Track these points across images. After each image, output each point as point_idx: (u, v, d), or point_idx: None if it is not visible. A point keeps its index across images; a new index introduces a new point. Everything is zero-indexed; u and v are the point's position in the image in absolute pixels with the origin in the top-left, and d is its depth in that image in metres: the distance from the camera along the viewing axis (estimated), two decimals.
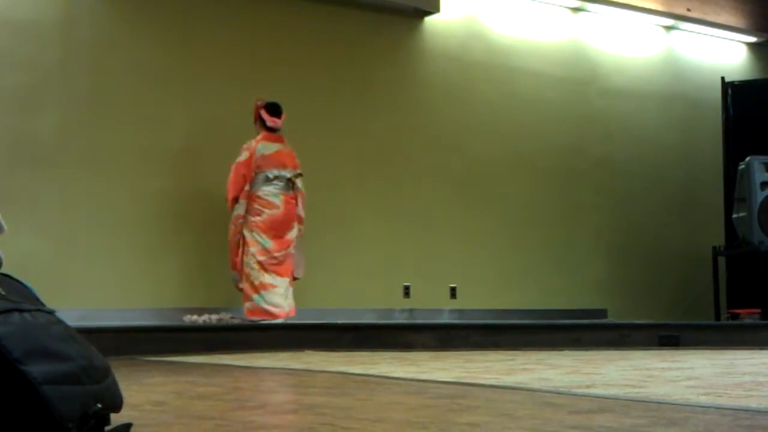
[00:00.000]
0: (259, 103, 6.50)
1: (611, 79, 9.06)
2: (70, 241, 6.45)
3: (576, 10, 8.93)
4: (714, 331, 6.19)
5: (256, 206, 6.37)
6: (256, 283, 6.29)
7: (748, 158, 7.37)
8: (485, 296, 8.07)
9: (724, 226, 8.09)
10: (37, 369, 1.46)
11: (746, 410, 2.16)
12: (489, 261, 8.17)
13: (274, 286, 6.31)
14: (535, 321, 7.69)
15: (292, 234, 6.45)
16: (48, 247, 6.32)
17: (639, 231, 9.04)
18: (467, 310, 7.90)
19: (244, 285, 6.34)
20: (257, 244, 6.32)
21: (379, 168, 7.72)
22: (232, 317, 6.53)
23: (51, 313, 1.63)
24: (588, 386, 2.80)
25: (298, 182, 6.51)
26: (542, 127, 8.57)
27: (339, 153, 7.52)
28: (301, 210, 6.52)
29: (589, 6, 8.92)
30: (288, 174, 6.46)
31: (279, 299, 6.31)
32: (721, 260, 7.96)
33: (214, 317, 6.45)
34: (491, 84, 8.35)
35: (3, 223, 1.80)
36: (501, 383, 2.98)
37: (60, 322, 1.63)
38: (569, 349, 5.22)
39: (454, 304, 7.94)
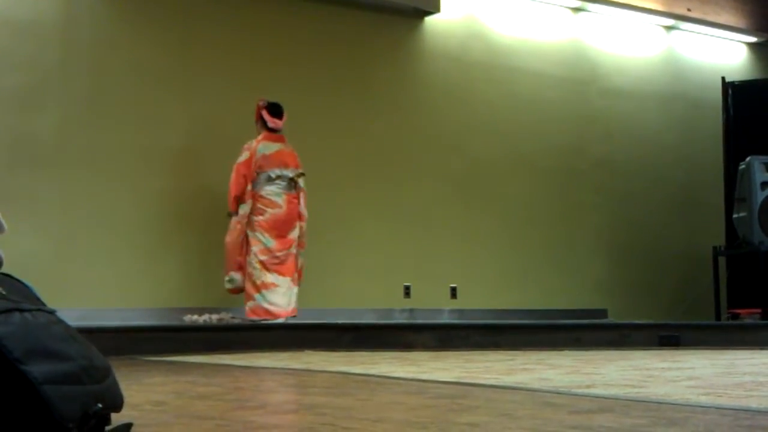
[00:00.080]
0: (261, 103, 6.50)
1: (611, 79, 9.06)
2: (70, 241, 6.45)
3: (576, 10, 8.93)
4: (714, 331, 6.18)
5: (259, 206, 6.37)
6: (258, 282, 6.30)
7: (748, 158, 7.37)
8: (485, 296, 8.07)
9: (724, 226, 8.09)
10: (37, 369, 1.46)
11: (746, 410, 2.16)
12: (489, 261, 8.17)
13: (276, 286, 6.31)
14: (535, 321, 7.68)
15: (295, 234, 6.45)
16: (48, 247, 6.32)
17: (639, 231, 9.04)
18: (467, 310, 7.90)
19: (247, 285, 6.35)
20: (259, 244, 6.33)
21: (379, 168, 7.72)
22: (233, 317, 6.53)
23: (51, 312, 1.63)
24: (588, 386, 2.80)
25: (300, 181, 6.51)
26: (542, 127, 8.57)
27: (339, 153, 7.52)
28: (303, 207, 6.53)
29: (589, 6, 8.92)
30: (290, 173, 6.46)
31: (279, 299, 6.31)
32: (722, 260, 7.96)
33: (214, 317, 6.45)
34: (491, 84, 8.35)
35: (3, 223, 1.80)
36: (501, 383, 2.98)
37: (60, 321, 1.63)
38: (569, 349, 5.22)
39: (455, 304, 7.94)
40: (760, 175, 7.26)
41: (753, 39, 9.99)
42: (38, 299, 1.68)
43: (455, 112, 8.15)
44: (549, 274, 8.44)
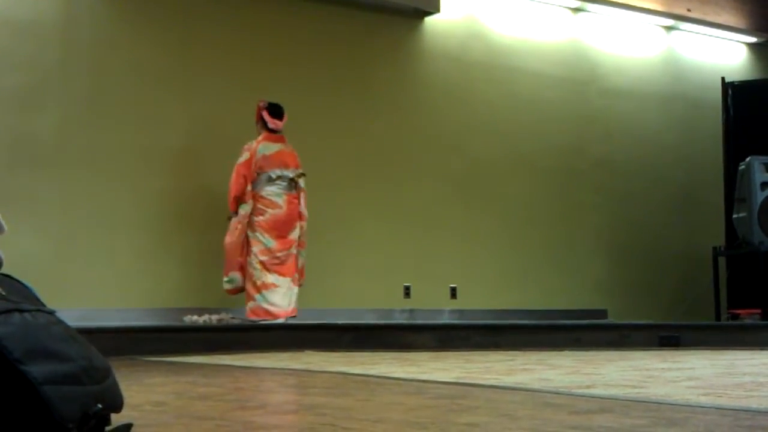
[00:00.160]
0: (261, 104, 6.50)
1: (611, 79, 9.06)
2: (70, 241, 6.45)
3: (576, 10, 8.93)
4: (714, 332, 6.18)
5: (259, 206, 6.38)
6: (258, 282, 6.31)
7: (748, 158, 7.37)
8: (485, 296, 8.07)
9: (724, 226, 8.09)
10: (37, 369, 1.46)
11: (746, 411, 2.16)
12: (489, 261, 8.17)
13: (276, 286, 6.32)
14: (535, 321, 7.68)
15: (295, 234, 6.46)
16: (48, 247, 6.32)
17: (639, 231, 9.04)
18: (467, 311, 7.90)
19: (247, 285, 6.35)
20: (260, 244, 6.33)
21: (379, 168, 7.72)
22: (233, 317, 6.53)
23: (51, 313, 1.63)
24: (588, 387, 2.80)
25: (301, 182, 6.52)
26: (542, 127, 8.57)
27: (339, 153, 7.52)
28: (303, 207, 6.53)
29: (589, 6, 8.92)
30: (291, 174, 6.46)
31: (279, 299, 6.31)
32: (722, 260, 7.96)
33: (214, 317, 6.45)
34: (491, 84, 8.35)
35: (3, 223, 1.80)
36: (501, 384, 2.98)
37: (60, 322, 1.63)
38: (569, 350, 5.22)
39: (455, 305, 7.94)
40: (760, 176, 7.26)
41: (753, 39, 9.99)
42: (38, 300, 1.68)
43: (455, 112, 8.15)
44: (549, 274, 8.44)
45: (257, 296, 6.30)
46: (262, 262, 6.32)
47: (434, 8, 7.95)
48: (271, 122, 6.45)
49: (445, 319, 7.78)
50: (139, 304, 6.59)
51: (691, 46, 9.67)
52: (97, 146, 6.59)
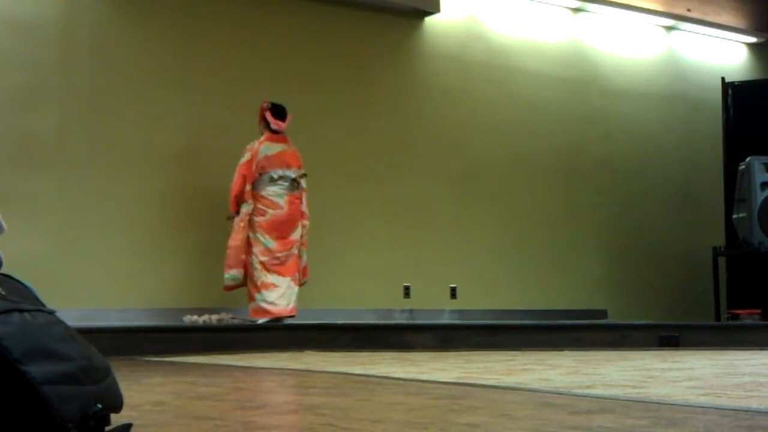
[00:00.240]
0: (265, 104, 6.50)
1: (611, 79, 9.06)
2: (70, 240, 6.45)
3: (576, 10, 8.93)
4: (714, 332, 6.19)
5: (260, 206, 6.38)
6: (258, 282, 6.31)
7: (748, 158, 7.37)
8: (485, 296, 8.07)
9: (724, 226, 8.09)
10: (36, 369, 1.46)
11: (746, 411, 2.16)
12: (489, 261, 8.17)
13: (275, 286, 6.32)
14: (535, 321, 7.69)
15: (296, 234, 6.45)
16: (48, 247, 6.32)
17: (639, 231, 9.04)
18: (467, 311, 7.89)
19: (249, 285, 6.36)
20: (260, 245, 6.33)
21: (378, 168, 7.72)
22: (233, 317, 6.54)
23: (51, 313, 1.63)
24: (588, 387, 2.80)
25: (303, 182, 6.52)
26: (542, 127, 8.57)
27: (339, 153, 7.52)
28: (305, 207, 6.53)
29: (589, 6, 8.92)
30: (293, 174, 6.46)
31: (278, 298, 6.31)
32: (722, 260, 7.96)
33: (214, 317, 6.45)
34: (491, 84, 8.35)
35: (3, 223, 1.80)
36: (501, 384, 2.98)
37: (60, 322, 1.63)
38: (569, 350, 5.23)
39: (454, 305, 7.94)
40: (760, 176, 7.26)
41: (753, 39, 9.99)
42: (38, 300, 1.68)
43: (455, 112, 8.15)
44: (549, 274, 8.44)
45: (257, 296, 6.32)
46: (262, 263, 6.32)
47: (434, 8, 7.95)
48: (274, 123, 6.45)
49: (445, 319, 7.78)
50: (139, 304, 6.58)
51: (691, 46, 9.67)
52: (98, 146, 6.59)
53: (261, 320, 6.26)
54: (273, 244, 6.34)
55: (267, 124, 6.47)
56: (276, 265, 6.34)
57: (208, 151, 6.95)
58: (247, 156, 6.40)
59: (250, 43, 7.25)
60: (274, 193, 6.40)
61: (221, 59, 7.10)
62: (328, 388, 3.01)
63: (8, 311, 1.52)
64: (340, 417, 2.13)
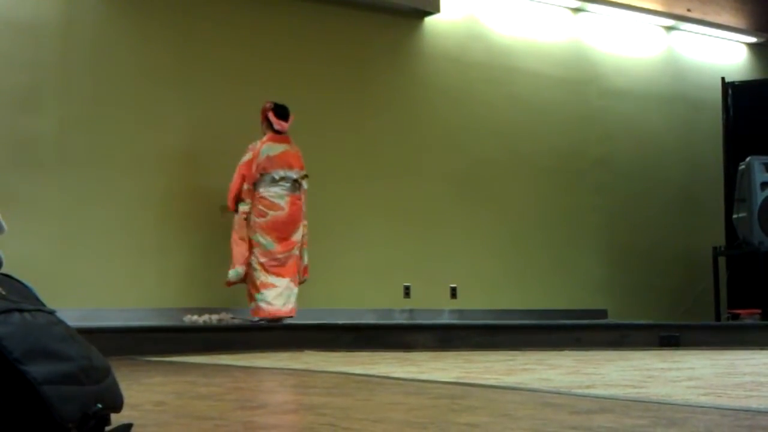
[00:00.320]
0: (267, 105, 6.50)
1: (611, 79, 9.06)
2: (71, 240, 6.45)
3: (576, 10, 8.93)
4: (714, 332, 6.19)
5: (261, 207, 6.37)
6: (258, 283, 6.32)
7: (748, 158, 7.37)
8: (485, 296, 8.07)
9: (724, 226, 8.09)
10: (37, 369, 1.46)
11: (747, 411, 2.16)
12: (489, 261, 8.17)
13: (274, 286, 6.32)
14: (535, 321, 7.69)
15: (298, 235, 6.45)
16: (48, 247, 6.32)
17: (639, 231, 9.04)
18: (467, 311, 7.89)
19: (249, 285, 6.37)
20: (260, 246, 6.33)
21: (378, 168, 7.72)
22: (233, 317, 6.54)
23: (51, 313, 1.63)
24: (588, 386, 2.80)
25: (304, 183, 6.52)
26: (542, 127, 8.57)
27: (338, 153, 7.52)
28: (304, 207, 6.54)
29: (589, 6, 8.91)
30: (294, 175, 6.46)
31: (276, 298, 6.31)
32: (722, 260, 7.96)
33: (214, 317, 6.45)
34: (491, 84, 8.35)
35: (3, 223, 1.80)
36: (501, 383, 2.98)
37: (60, 322, 1.63)
38: (569, 350, 5.23)
39: (455, 305, 7.94)
40: (760, 176, 7.26)
41: (753, 39, 9.99)
42: (38, 300, 1.68)
43: (455, 112, 8.15)
44: (549, 274, 8.44)
45: (257, 296, 6.32)
46: (261, 264, 6.32)
47: (434, 8, 7.95)
48: (277, 123, 6.45)
49: (445, 319, 7.78)
50: (140, 304, 6.59)
51: (691, 46, 9.67)
52: (98, 146, 6.59)
53: (256, 319, 6.28)
54: (273, 246, 6.33)
55: (270, 125, 6.46)
56: (275, 267, 6.34)
57: (207, 151, 6.94)
58: (248, 156, 6.40)
59: (250, 43, 7.25)
60: (276, 194, 6.39)
61: (221, 59, 7.10)
62: (328, 388, 3.01)
63: (8, 311, 1.52)
64: (341, 417, 2.13)
